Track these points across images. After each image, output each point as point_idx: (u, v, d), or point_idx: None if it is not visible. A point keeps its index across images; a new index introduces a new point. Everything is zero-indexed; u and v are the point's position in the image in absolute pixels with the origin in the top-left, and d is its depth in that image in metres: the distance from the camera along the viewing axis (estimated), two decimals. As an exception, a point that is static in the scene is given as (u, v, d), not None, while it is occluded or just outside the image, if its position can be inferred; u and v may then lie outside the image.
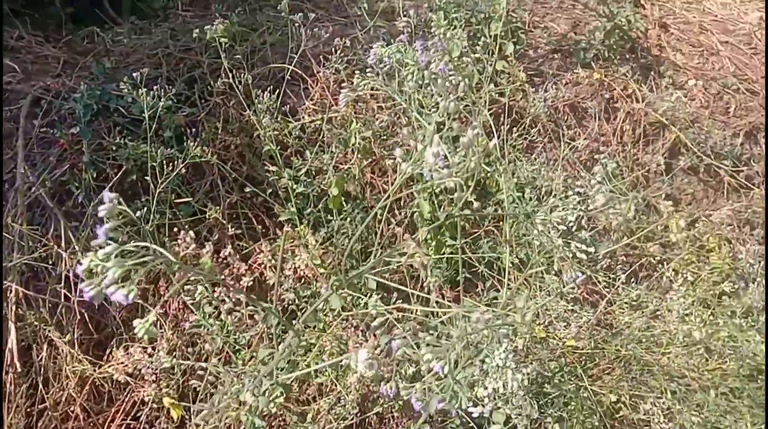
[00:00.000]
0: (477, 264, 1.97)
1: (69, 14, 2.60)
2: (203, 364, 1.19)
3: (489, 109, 2.12)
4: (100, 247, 0.63)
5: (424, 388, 0.77)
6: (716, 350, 1.82)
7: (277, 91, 2.03)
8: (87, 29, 2.54)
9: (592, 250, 1.03)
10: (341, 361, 0.79)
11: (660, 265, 2.01)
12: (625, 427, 1.76)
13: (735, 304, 1.87)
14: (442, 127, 2.07)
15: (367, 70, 1.49)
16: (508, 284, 1.89)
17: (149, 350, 1.32)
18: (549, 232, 1.02)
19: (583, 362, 1.80)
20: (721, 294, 1.94)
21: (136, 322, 0.70)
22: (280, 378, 1.26)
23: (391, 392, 0.84)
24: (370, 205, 2.02)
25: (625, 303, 1.94)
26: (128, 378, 1.28)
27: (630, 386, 1.75)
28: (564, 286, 1.39)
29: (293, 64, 2.12)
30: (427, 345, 0.71)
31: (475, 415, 1.32)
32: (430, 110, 1.98)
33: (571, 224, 1.00)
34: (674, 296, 1.85)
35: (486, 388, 1.32)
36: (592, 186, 1.01)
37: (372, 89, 2.17)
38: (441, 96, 0.90)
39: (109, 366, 1.40)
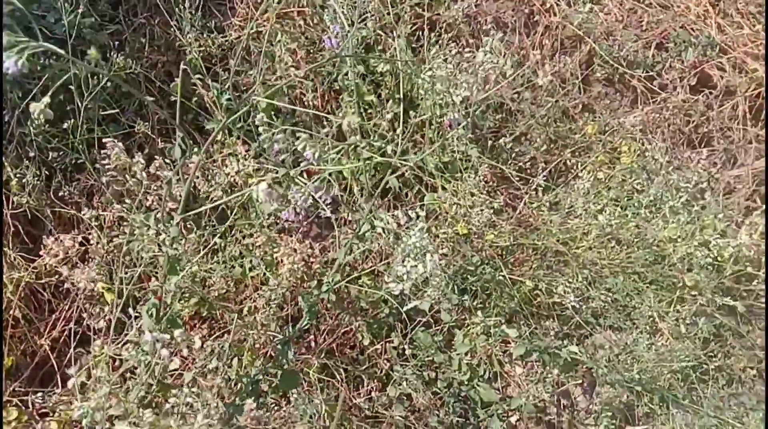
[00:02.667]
0: (404, 172, 2.06)
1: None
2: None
3: (413, 23, 2.19)
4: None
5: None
6: (625, 241, 1.97)
7: (202, 7, 2.04)
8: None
9: (467, 93, 1.12)
10: (249, 192, 0.86)
11: (574, 168, 2.14)
12: (542, 310, 1.91)
13: (642, 197, 2.02)
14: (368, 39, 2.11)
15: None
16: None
17: (79, 238, 1.36)
18: (433, 86, 1.10)
19: (503, 255, 1.93)
20: (631, 191, 2.08)
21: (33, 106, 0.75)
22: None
23: (292, 216, 0.92)
24: (300, 119, 2.07)
25: (544, 204, 2.07)
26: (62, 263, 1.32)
27: (545, 274, 1.89)
28: (455, 136, 1.48)
29: (218, -18, 2.13)
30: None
31: (395, 292, 1.42)
32: (357, 23, 2.03)
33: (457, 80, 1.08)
34: (587, 194, 1.99)
35: (405, 266, 1.42)
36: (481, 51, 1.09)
37: (299, 4, 2.20)
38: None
39: (43, 257, 1.44)
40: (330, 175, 1.74)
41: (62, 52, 0.72)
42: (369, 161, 1.72)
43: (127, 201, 1.37)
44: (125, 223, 1.87)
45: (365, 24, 2.10)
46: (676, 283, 1.91)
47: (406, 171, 2.04)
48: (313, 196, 0.91)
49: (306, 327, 1.35)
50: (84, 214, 1.50)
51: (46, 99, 0.75)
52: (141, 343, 0.78)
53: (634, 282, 1.93)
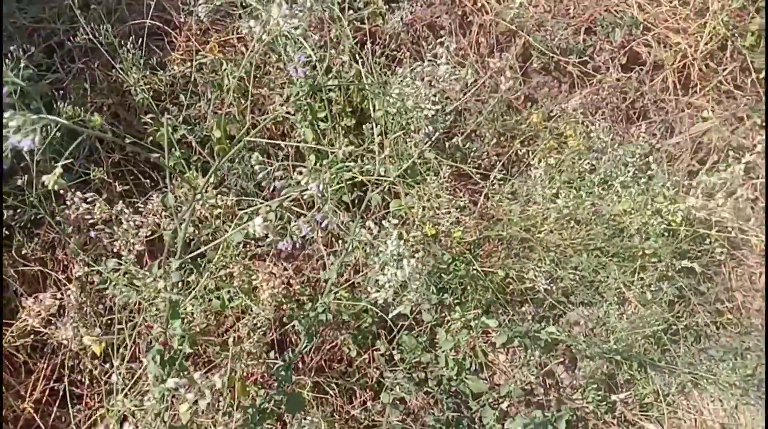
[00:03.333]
0: (367, 182, 2.10)
1: None
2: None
3: (354, 37, 2.23)
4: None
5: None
6: (583, 220, 2.06)
7: (141, 44, 2.03)
8: None
9: (438, 106, 1.17)
10: (246, 228, 0.87)
11: (526, 157, 2.23)
12: (516, 297, 1.98)
13: (593, 176, 2.11)
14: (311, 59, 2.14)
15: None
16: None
17: (59, 295, 1.34)
18: (404, 103, 1.15)
19: (472, 250, 1.99)
20: (582, 172, 2.18)
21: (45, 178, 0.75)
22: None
23: (288, 245, 0.95)
24: (257, 144, 2.09)
25: (503, 195, 2.14)
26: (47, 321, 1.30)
27: (514, 262, 1.97)
28: (423, 144, 1.54)
29: (154, 19, 2.12)
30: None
31: (380, 301, 1.46)
32: (298, 44, 2.06)
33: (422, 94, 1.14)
34: (541, 180, 2.07)
35: (385, 274, 1.46)
36: (437, 62, 1.14)
37: (239, 32, 2.21)
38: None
39: (22, 316, 1.41)
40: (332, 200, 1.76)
41: (68, 123, 0.73)
42: (350, 180, 1.75)
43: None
44: (95, 273, 1.85)
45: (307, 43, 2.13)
46: (636, 253, 2.01)
47: (379, 184, 2.08)
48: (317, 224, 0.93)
49: (307, 349, 1.37)
50: (76, 273, 1.48)
51: (59, 169, 0.75)
52: (154, 391, 0.79)
53: (597, 257, 2.03)
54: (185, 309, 1.72)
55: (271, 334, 1.80)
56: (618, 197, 2.03)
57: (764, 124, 2.42)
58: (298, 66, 1.30)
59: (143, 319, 1.14)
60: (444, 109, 1.18)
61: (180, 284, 0.93)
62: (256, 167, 0.95)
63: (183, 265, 0.97)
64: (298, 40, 1.57)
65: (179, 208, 1.49)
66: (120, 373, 1.06)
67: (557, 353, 1.93)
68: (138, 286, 0.94)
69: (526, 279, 1.93)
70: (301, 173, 0.89)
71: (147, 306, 1.08)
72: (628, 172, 2.07)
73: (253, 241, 1.95)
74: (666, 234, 1.97)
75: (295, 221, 0.92)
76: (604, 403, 1.85)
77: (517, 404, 1.88)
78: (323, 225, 0.94)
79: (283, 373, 1.20)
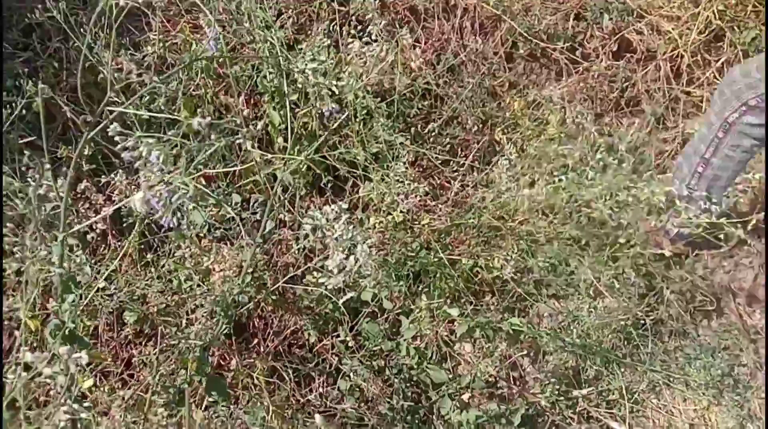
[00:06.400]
0: (339, 167, 2.07)
1: None
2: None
3: (332, 20, 2.20)
4: None
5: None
6: (557, 207, 2.00)
7: (118, 26, 2.03)
8: None
9: (342, 83, 1.13)
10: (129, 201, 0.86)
11: (506, 144, 2.17)
12: (484, 286, 1.93)
13: (567, 160, 2.05)
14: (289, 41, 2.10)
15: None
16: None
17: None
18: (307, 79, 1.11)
19: (442, 237, 1.95)
20: (560, 159, 2.12)
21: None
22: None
23: (172, 221, 0.92)
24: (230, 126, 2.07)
25: (479, 183, 2.10)
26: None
27: (483, 250, 1.92)
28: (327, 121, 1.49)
29: (131, -1, 2.12)
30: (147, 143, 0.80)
31: (329, 287, 1.42)
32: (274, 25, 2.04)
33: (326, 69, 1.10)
34: (514, 167, 2.02)
35: (334, 260, 1.42)
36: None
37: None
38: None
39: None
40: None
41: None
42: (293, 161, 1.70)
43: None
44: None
45: (282, 25, 2.12)
46: (606, 241, 1.93)
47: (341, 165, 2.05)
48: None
49: (225, 331, 1.35)
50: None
51: None
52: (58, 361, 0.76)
53: (570, 246, 1.96)
54: (142, 287, 1.72)
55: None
56: (592, 184, 1.96)
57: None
58: (210, 39, 1.29)
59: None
60: (349, 85, 1.14)
61: (67, 260, 0.91)
62: (117, 138, 0.91)
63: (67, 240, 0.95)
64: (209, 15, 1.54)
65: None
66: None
67: (522, 345, 1.88)
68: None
69: (494, 268, 1.88)
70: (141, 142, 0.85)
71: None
72: (613, 160, 2.00)
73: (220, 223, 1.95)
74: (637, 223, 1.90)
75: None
76: (563, 398, 1.79)
77: (479, 396, 1.84)
78: (176, 198, 0.90)
79: (198, 353, 1.18)
